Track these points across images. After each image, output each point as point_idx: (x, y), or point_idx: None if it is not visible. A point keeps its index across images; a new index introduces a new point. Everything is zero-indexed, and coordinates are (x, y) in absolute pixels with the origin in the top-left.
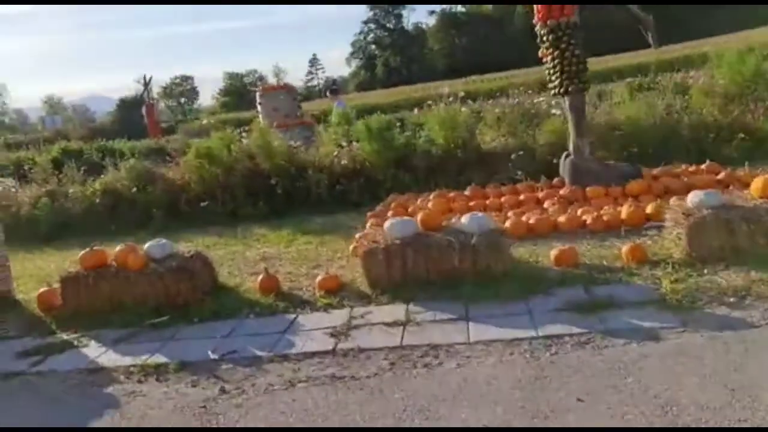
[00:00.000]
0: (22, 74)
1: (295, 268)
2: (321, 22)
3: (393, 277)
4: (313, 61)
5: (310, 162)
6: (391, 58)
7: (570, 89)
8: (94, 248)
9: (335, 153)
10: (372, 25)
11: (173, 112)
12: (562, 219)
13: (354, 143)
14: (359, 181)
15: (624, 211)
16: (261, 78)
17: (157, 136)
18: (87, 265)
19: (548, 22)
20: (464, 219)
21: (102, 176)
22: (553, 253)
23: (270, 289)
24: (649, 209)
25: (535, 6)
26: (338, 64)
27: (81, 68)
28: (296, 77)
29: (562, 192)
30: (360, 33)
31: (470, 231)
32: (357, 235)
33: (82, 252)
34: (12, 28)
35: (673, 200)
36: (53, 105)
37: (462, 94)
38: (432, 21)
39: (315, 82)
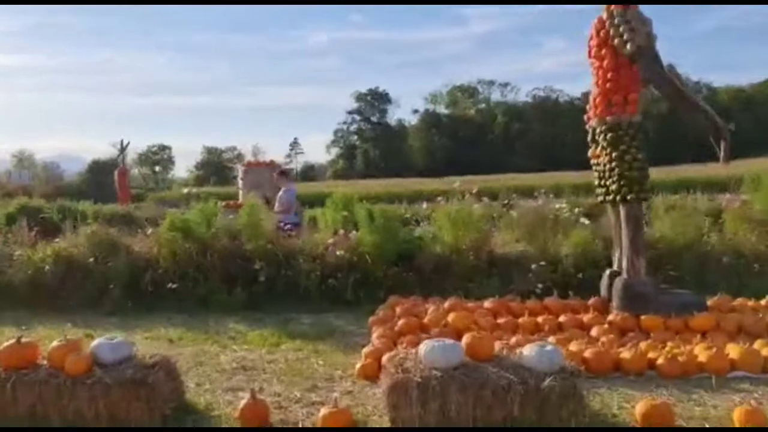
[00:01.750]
0: None
1: (286, 388)
2: (305, 107)
3: (427, 422)
4: (294, 145)
5: (301, 248)
6: (371, 150)
7: (629, 198)
8: (22, 340)
9: (330, 241)
10: (356, 116)
11: (145, 180)
12: (626, 355)
13: (352, 233)
14: (355, 277)
15: (701, 352)
16: (240, 155)
17: (126, 202)
18: (8, 363)
19: (607, 119)
20: (528, 350)
21: (57, 240)
22: (641, 408)
23: (255, 420)
24: (733, 354)
25: (591, 101)
26: (318, 150)
27: (57, 124)
28: (275, 158)
29: (611, 318)
30: (344, 122)
31: (535, 367)
32: (365, 350)
33: (5, 345)
34: None
35: None
36: (23, 159)
37: (475, 190)
38: (415, 119)
39: (293, 165)
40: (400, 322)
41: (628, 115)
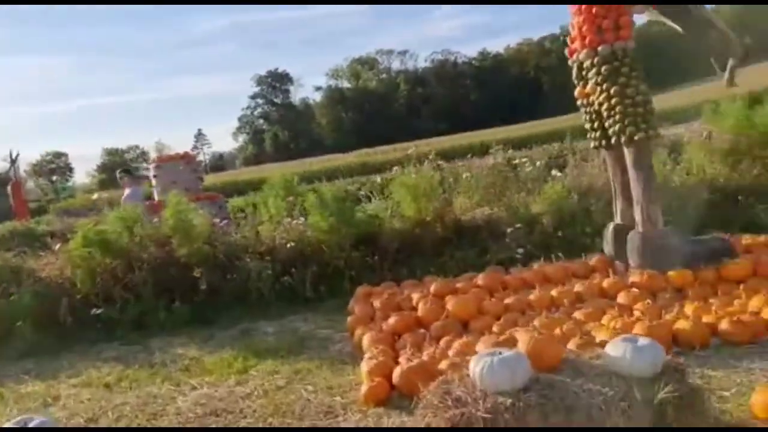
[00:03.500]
0: None
1: None
2: (206, 97)
3: None
4: (199, 136)
5: (244, 246)
6: (280, 133)
7: (636, 137)
8: None
9: (276, 232)
10: (260, 100)
11: (43, 191)
12: (684, 325)
13: (300, 219)
14: (312, 269)
15: (764, 308)
16: (144, 153)
17: (24, 217)
18: None
19: (599, 49)
20: (614, 348)
21: None
22: (760, 397)
23: None
24: None
25: (576, 32)
26: (225, 138)
27: None
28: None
29: (634, 279)
30: (247, 108)
31: (632, 372)
32: (365, 367)
33: None
34: None
35: None
36: None
37: (432, 155)
38: (318, 96)
39: (201, 158)
40: (391, 320)
41: (622, 42)
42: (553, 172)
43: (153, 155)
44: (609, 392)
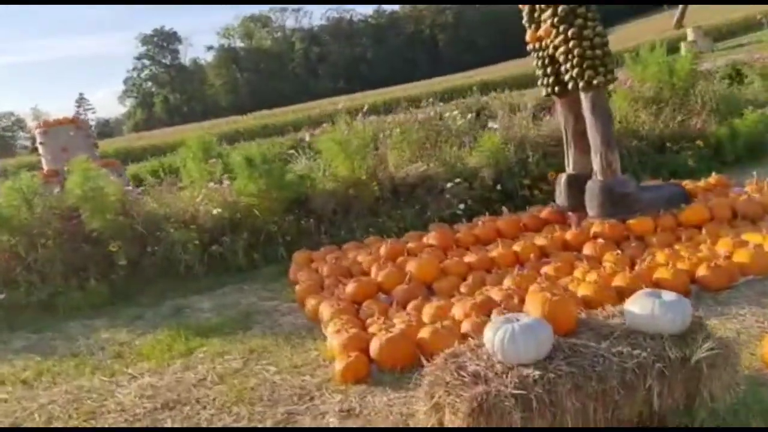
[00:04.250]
0: None
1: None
2: (85, 60)
3: None
4: (81, 101)
5: (165, 215)
6: (171, 96)
7: (595, 82)
8: None
9: (199, 198)
10: (146, 61)
11: None
12: (664, 275)
13: (224, 183)
14: (242, 236)
15: (737, 252)
16: (20, 120)
17: None
18: None
19: None
20: (639, 305)
21: None
22: None
23: None
24: None
25: None
26: (110, 103)
27: None
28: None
29: (596, 229)
30: (133, 69)
31: (660, 330)
32: (338, 340)
33: None
34: None
35: None
36: None
37: (366, 108)
38: (210, 56)
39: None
40: (349, 287)
41: None
42: (490, 123)
43: (30, 123)
44: (641, 354)
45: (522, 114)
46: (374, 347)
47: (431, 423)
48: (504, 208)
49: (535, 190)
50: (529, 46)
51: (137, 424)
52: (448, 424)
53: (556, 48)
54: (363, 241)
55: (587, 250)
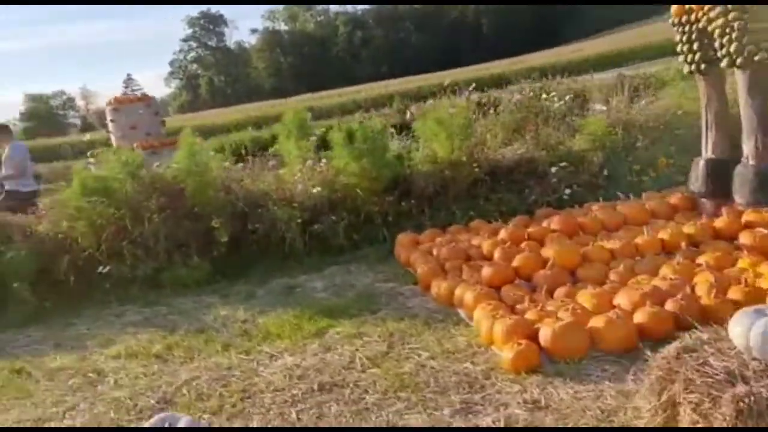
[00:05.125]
0: None
1: (431, 419)
2: (132, 42)
3: None
4: (128, 82)
5: (265, 192)
6: (215, 78)
7: (757, 58)
8: None
9: (297, 176)
10: (193, 43)
11: None
12: None
13: (322, 162)
14: (342, 216)
15: None
16: (70, 99)
17: None
18: None
19: None
20: None
21: None
22: None
23: None
24: None
25: None
26: (156, 84)
27: None
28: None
29: (748, 217)
30: (180, 51)
31: None
32: (502, 328)
33: None
34: None
35: None
36: None
37: (473, 86)
38: (254, 39)
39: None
40: (486, 271)
41: None
42: (597, 105)
43: (79, 102)
44: None
45: (620, 97)
46: (546, 335)
47: (658, 421)
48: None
49: (644, 176)
50: (673, 20)
51: (299, 406)
52: (684, 423)
53: (710, 21)
54: (467, 224)
55: (745, 239)
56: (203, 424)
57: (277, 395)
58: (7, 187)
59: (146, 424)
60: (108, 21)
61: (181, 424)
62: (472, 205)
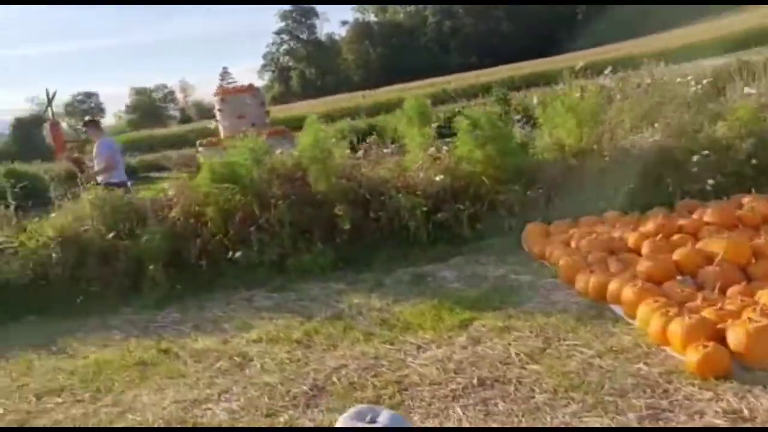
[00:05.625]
0: None
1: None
2: (227, 36)
3: None
4: (224, 75)
5: (385, 180)
6: (306, 70)
7: None
8: None
9: (418, 164)
10: (285, 36)
11: (77, 132)
12: None
13: (443, 150)
14: (465, 205)
15: None
16: (171, 92)
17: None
18: None
19: None
20: None
21: (50, 215)
22: None
23: None
24: None
25: None
26: (249, 77)
27: None
28: (207, 92)
29: None
30: (272, 44)
31: None
32: (682, 328)
33: None
34: None
35: None
36: None
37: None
38: (344, 31)
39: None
40: (642, 266)
41: None
42: (746, 89)
43: (178, 94)
44: None
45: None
46: (737, 338)
47: None
48: None
49: None
50: None
51: (461, 401)
52: None
53: None
54: (600, 215)
55: None
56: (405, 421)
57: (435, 389)
58: (99, 179)
59: (344, 416)
60: (204, 17)
61: (383, 419)
62: (601, 195)
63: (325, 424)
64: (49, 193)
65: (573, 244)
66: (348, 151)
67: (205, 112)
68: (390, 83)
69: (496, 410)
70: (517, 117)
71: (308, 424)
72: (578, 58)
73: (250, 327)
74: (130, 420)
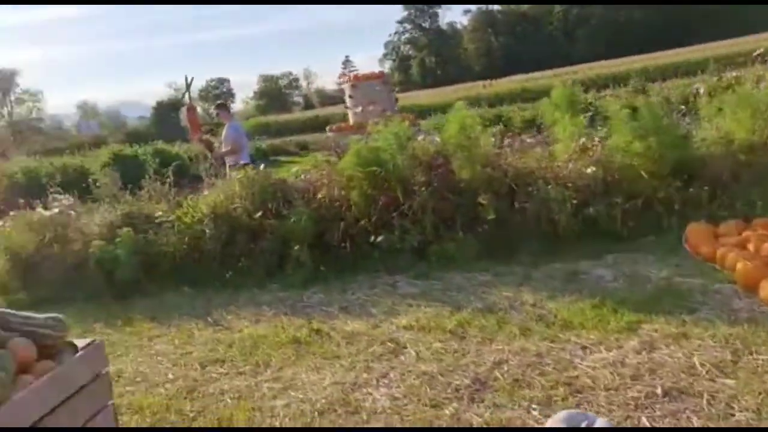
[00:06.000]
0: (55, 82)
1: None
2: (349, 25)
3: None
4: (346, 63)
5: (531, 170)
6: (427, 59)
7: None
8: None
9: (568, 155)
10: (407, 25)
11: (210, 116)
12: None
13: (595, 140)
14: (617, 200)
15: None
16: (296, 80)
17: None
18: None
19: None
20: None
21: (204, 193)
22: None
23: None
24: None
25: None
26: (370, 66)
27: (111, 75)
28: (329, 80)
29: None
30: (395, 33)
31: None
32: None
33: None
34: (45, 38)
35: None
36: (87, 111)
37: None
38: (466, 20)
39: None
40: None
41: None
42: None
43: (302, 82)
44: None
45: None
46: None
47: None
48: None
49: None
50: None
51: (646, 411)
52: None
53: None
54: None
55: None
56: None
57: (611, 395)
58: (228, 162)
59: (555, 418)
60: (326, 7)
61: (600, 425)
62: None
63: (494, 422)
64: (191, 172)
65: (751, 247)
66: (492, 139)
67: (326, 99)
68: (511, 73)
69: (691, 426)
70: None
71: (475, 419)
72: (722, 47)
73: (398, 313)
74: (292, 396)
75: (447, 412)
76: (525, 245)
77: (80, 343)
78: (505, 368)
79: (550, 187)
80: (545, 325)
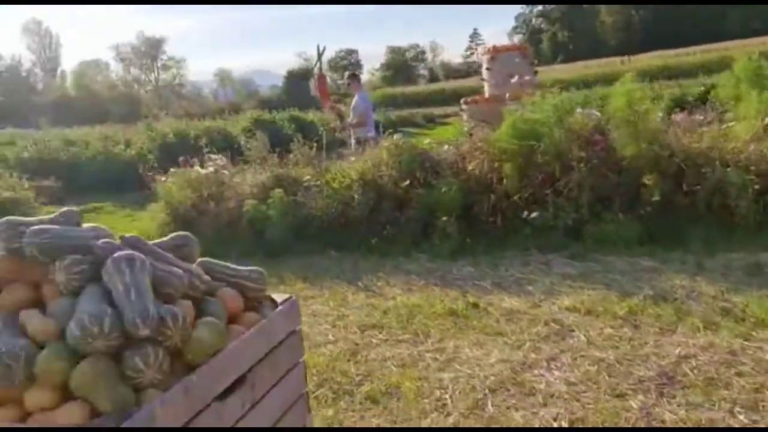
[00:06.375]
0: (195, 51)
1: None
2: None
3: None
4: (474, 36)
5: (705, 150)
6: (559, 33)
7: None
8: None
9: (749, 136)
10: None
11: (337, 86)
12: None
13: None
14: None
15: None
16: (423, 53)
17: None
18: None
19: None
20: None
21: (351, 160)
22: None
23: None
24: None
25: None
26: (498, 39)
27: (244, 44)
28: (455, 53)
29: None
30: (526, 5)
31: None
32: None
33: None
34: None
35: None
36: (224, 78)
37: None
38: None
39: (475, 58)
40: None
41: None
42: None
43: (428, 54)
44: None
45: None
46: None
47: None
48: None
49: None
50: None
51: None
52: None
53: None
54: None
55: None
56: None
57: None
58: (354, 134)
59: None
60: None
61: None
62: None
63: (691, 422)
64: (327, 139)
65: None
66: (660, 114)
67: (451, 72)
68: (648, 50)
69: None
70: None
71: (667, 416)
72: None
73: (559, 293)
74: (459, 370)
75: (634, 404)
76: (694, 231)
77: (278, 298)
78: (694, 363)
79: (729, 169)
80: (734, 320)
